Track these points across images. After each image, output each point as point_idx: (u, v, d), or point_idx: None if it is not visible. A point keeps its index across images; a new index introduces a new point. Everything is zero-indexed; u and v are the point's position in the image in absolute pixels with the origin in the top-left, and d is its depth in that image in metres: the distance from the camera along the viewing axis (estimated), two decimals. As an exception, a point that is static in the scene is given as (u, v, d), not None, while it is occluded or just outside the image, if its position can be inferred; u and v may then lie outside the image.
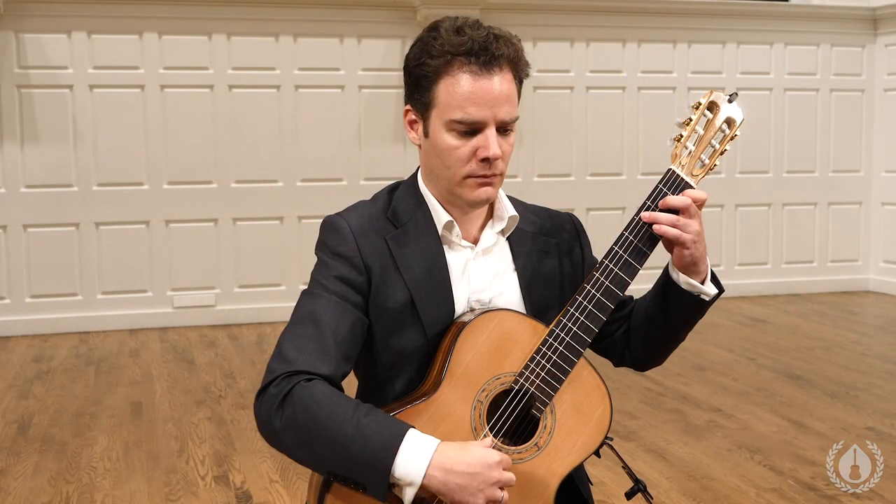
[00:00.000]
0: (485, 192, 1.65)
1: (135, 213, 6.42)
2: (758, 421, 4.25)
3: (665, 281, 1.73)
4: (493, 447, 1.56)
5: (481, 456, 1.48)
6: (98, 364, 5.46)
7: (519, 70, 1.65)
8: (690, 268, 1.68)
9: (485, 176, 1.63)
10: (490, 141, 1.60)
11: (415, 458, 1.46)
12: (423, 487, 1.47)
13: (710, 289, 1.70)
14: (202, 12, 6.42)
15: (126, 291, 6.44)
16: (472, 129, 1.61)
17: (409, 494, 1.48)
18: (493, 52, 1.59)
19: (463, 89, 1.59)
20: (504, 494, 1.51)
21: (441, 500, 1.51)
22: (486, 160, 1.61)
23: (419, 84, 1.64)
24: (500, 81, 1.60)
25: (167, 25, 6.37)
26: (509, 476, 1.51)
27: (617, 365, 1.88)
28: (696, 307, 1.72)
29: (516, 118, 1.64)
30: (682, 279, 1.69)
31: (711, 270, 1.72)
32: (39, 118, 6.23)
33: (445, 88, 1.60)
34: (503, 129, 1.63)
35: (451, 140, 1.62)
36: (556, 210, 1.87)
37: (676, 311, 1.73)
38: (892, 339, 6.10)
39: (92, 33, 6.27)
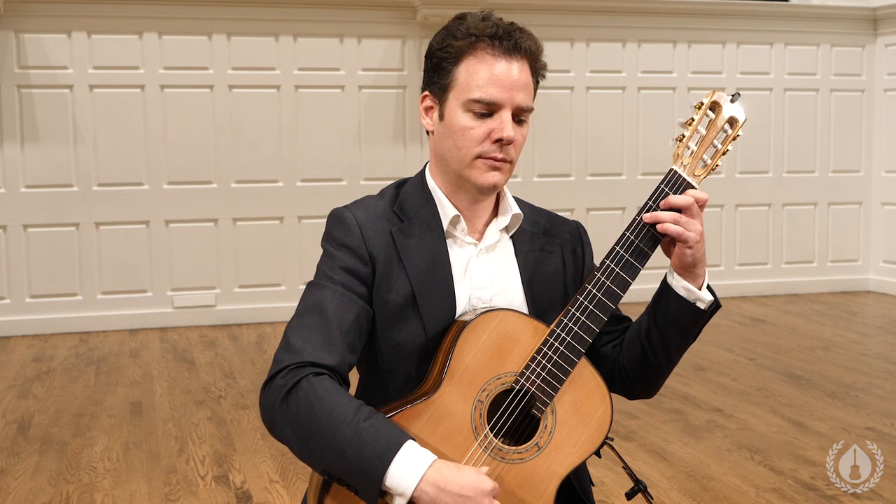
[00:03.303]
0: (493, 176, 1.66)
1: (135, 213, 6.42)
2: (758, 421, 4.25)
3: (661, 289, 1.71)
4: (493, 454, 1.57)
5: (475, 481, 1.47)
6: (98, 364, 5.46)
7: (536, 66, 1.68)
8: (690, 269, 1.66)
9: (495, 158, 1.64)
10: (506, 123, 1.63)
11: (408, 470, 1.46)
12: (413, 500, 1.46)
13: (706, 295, 1.68)
14: (202, 12, 6.42)
15: (126, 291, 6.43)
16: (489, 111, 1.63)
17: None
18: (517, 39, 1.64)
19: (484, 70, 1.62)
20: None
21: None
22: (500, 141, 1.63)
23: (440, 66, 1.67)
24: (519, 69, 1.64)
25: (167, 25, 6.37)
26: None
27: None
28: (690, 318, 1.69)
29: (532, 108, 1.66)
30: (680, 284, 1.68)
31: (709, 285, 1.71)
32: (39, 118, 6.23)
33: (467, 68, 1.64)
34: (518, 117, 1.65)
35: (467, 120, 1.64)
36: (563, 217, 1.88)
37: (671, 320, 1.70)
38: (892, 339, 6.10)
39: (92, 33, 6.27)
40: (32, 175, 6.24)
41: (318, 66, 6.64)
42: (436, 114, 1.70)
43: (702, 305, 1.68)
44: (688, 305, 1.68)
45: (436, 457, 1.48)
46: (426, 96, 1.71)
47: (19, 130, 6.19)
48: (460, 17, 1.68)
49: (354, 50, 6.69)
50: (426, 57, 1.71)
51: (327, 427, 1.48)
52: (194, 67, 6.44)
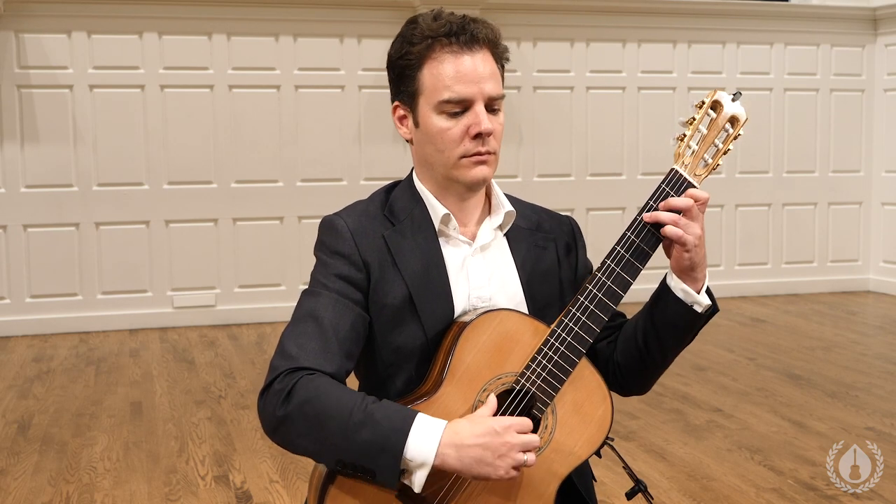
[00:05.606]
0: (481, 171, 1.66)
1: (135, 213, 6.42)
2: (758, 421, 4.25)
3: (660, 289, 1.71)
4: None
5: (489, 424, 1.48)
6: (98, 364, 5.46)
7: (498, 52, 1.68)
8: (688, 273, 1.66)
9: (479, 153, 1.64)
10: (481, 116, 1.63)
11: (426, 437, 1.47)
12: (437, 468, 1.47)
13: (704, 299, 1.67)
14: (202, 12, 6.42)
15: (126, 291, 6.43)
16: (461, 108, 1.63)
17: (419, 478, 1.48)
18: (472, 31, 1.64)
19: (448, 69, 1.62)
20: (528, 457, 1.49)
21: (453, 484, 1.51)
22: (479, 136, 1.63)
23: (404, 75, 1.67)
24: (482, 59, 1.64)
25: (167, 25, 6.37)
26: (529, 438, 1.50)
27: None
28: (687, 321, 1.69)
29: (503, 95, 1.67)
30: (678, 285, 1.67)
31: (708, 288, 1.70)
32: (39, 118, 6.22)
33: (430, 72, 1.64)
34: (491, 107, 1.65)
35: (442, 122, 1.64)
36: (555, 212, 1.87)
37: (667, 322, 1.69)
38: (892, 339, 6.10)
39: (92, 33, 6.26)
40: (32, 175, 6.24)
41: (318, 66, 6.64)
42: (410, 122, 1.70)
43: (699, 309, 1.67)
44: (685, 308, 1.67)
45: (447, 421, 1.49)
46: (397, 106, 1.72)
47: (19, 130, 6.19)
48: (412, 22, 1.68)
49: (354, 50, 6.69)
50: (388, 68, 1.72)
51: (337, 415, 1.49)
52: (194, 67, 6.44)
